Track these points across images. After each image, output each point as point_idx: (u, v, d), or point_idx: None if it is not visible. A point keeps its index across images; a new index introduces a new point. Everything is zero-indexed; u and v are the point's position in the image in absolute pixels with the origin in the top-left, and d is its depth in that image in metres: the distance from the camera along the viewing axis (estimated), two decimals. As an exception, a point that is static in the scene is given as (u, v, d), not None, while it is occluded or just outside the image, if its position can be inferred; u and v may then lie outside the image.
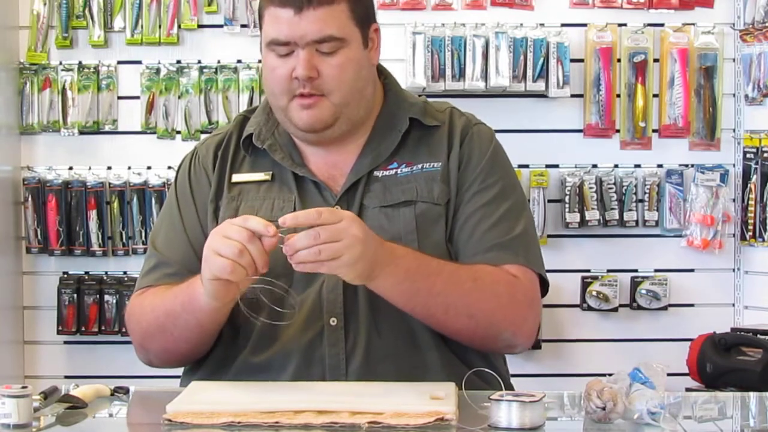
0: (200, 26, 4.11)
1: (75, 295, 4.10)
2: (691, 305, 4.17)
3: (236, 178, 2.15)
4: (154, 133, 4.11)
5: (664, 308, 4.13)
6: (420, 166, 2.12)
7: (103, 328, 4.10)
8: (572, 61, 4.05)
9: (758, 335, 3.79)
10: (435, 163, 2.13)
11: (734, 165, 4.13)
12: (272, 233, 1.82)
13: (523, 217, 2.13)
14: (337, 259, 1.83)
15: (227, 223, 1.88)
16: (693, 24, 4.11)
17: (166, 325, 2.03)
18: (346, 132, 2.12)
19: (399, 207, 2.09)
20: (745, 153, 4.07)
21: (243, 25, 4.09)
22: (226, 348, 2.08)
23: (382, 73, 2.20)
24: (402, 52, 4.01)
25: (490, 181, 2.12)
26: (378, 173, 2.13)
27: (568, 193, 4.10)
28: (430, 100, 2.25)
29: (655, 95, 4.11)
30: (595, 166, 4.14)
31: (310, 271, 1.87)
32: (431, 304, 1.98)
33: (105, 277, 4.13)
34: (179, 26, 4.10)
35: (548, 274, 2.15)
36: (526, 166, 4.11)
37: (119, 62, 4.12)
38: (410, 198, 2.10)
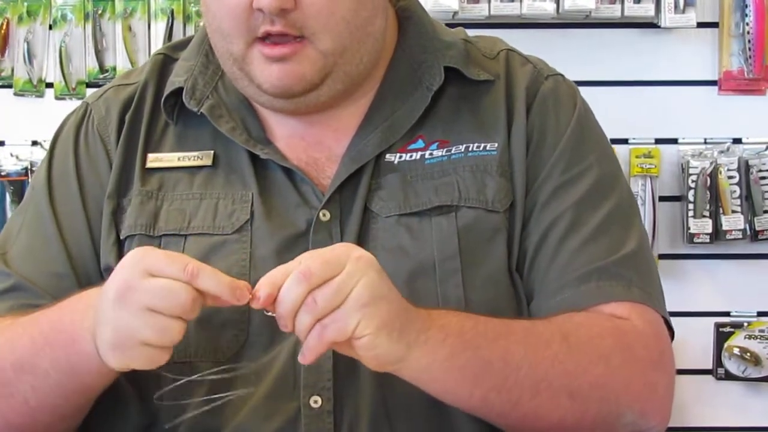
0: None
1: None
2: None
3: (155, 160, 1.81)
4: (10, 86, 3.45)
5: None
6: (463, 147, 1.79)
7: None
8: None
9: None
10: (487, 144, 1.79)
11: None
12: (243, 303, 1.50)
13: (634, 226, 1.79)
14: (356, 337, 1.53)
15: (162, 258, 1.50)
16: None
17: (17, 386, 1.64)
18: (340, 92, 1.77)
19: (430, 215, 1.73)
20: None
21: None
22: None
23: None
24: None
25: (579, 170, 1.77)
26: (392, 157, 1.77)
27: (692, 185, 3.40)
28: (471, 34, 1.91)
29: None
30: (737, 140, 3.48)
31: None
32: (512, 385, 1.60)
33: None
34: None
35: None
36: (624, 142, 3.45)
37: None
38: (448, 201, 1.73)
